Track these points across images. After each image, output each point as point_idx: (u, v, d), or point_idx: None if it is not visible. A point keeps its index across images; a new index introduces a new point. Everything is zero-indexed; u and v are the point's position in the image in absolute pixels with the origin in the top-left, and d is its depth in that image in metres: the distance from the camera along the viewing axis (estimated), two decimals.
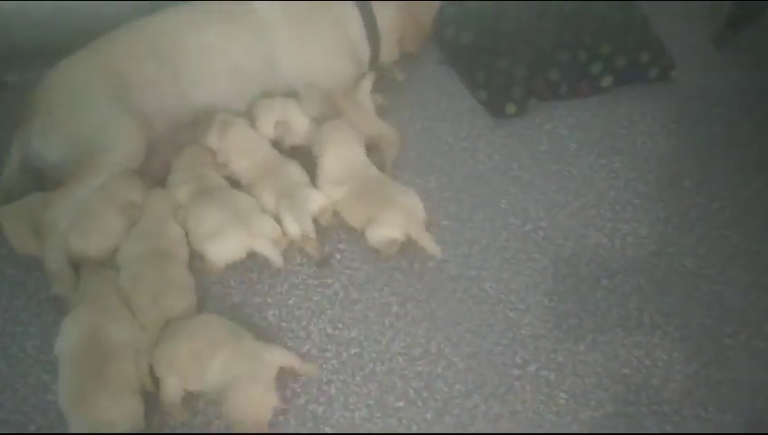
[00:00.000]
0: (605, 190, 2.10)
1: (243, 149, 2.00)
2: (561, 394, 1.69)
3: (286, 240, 1.89)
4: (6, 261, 1.89)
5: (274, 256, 1.85)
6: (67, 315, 1.69)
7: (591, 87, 2.33)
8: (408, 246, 1.90)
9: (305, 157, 2.05)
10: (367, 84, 2.19)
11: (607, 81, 2.33)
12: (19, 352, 1.75)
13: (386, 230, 1.88)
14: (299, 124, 2.08)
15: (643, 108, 2.32)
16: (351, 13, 2.18)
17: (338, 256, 1.93)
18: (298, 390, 1.69)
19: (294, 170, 1.98)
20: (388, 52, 2.29)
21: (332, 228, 1.96)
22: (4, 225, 1.84)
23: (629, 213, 2.04)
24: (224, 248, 1.84)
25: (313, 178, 1.99)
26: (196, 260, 1.87)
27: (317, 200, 1.91)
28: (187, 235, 1.89)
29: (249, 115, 2.06)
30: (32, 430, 1.62)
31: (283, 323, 1.81)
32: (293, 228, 1.88)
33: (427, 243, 1.86)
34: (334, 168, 1.98)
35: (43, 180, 1.94)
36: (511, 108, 2.26)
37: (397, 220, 1.87)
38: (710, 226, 2.02)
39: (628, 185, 2.11)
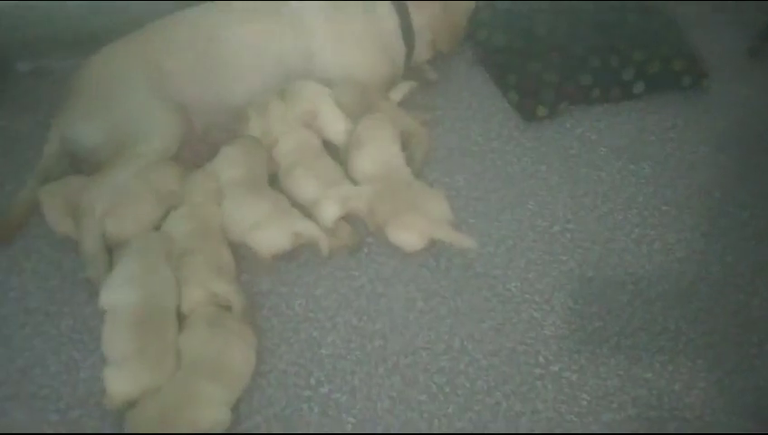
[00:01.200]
0: (633, 195, 2.10)
1: (283, 127, 2.03)
2: (584, 395, 1.70)
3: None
4: (43, 240, 1.94)
5: (322, 239, 1.86)
6: (120, 271, 1.75)
7: (623, 93, 2.33)
8: (435, 243, 1.92)
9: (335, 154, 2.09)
10: (402, 89, 2.22)
11: (639, 87, 2.33)
12: (52, 329, 1.79)
13: (405, 234, 1.89)
14: (330, 117, 2.09)
15: (674, 115, 2.32)
16: (388, 11, 2.21)
17: (365, 250, 1.95)
18: (322, 378, 1.72)
19: (332, 162, 2.01)
20: (423, 51, 2.32)
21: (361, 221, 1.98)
22: (43, 203, 1.89)
23: (657, 219, 2.04)
24: (269, 237, 1.86)
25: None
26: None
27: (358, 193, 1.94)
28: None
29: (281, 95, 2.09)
30: (60, 405, 1.66)
31: (309, 314, 1.83)
32: (331, 214, 1.90)
33: (457, 239, 1.87)
34: (369, 164, 2.00)
35: (80, 164, 2.00)
36: (541, 111, 2.27)
37: (418, 225, 1.88)
38: (739, 235, 2.02)
39: (656, 191, 2.11)
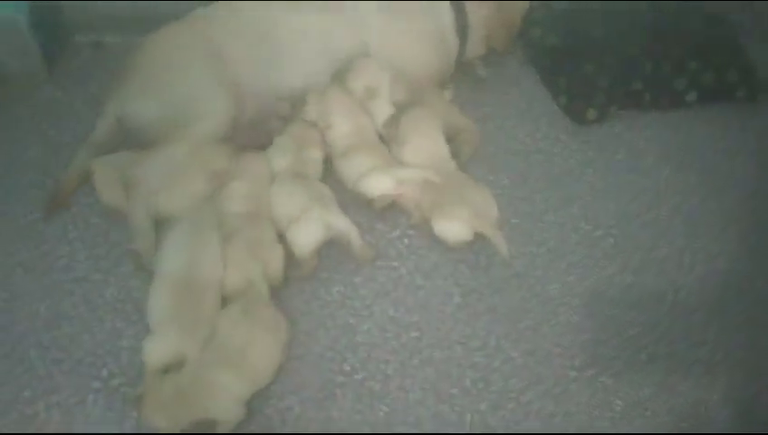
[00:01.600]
0: (679, 205, 2.09)
1: (341, 109, 2.05)
2: (617, 401, 1.69)
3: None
4: (93, 210, 1.98)
5: (355, 237, 1.88)
6: (170, 240, 1.79)
7: (675, 100, 2.31)
8: (476, 240, 1.92)
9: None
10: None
11: (691, 96, 2.31)
12: (98, 298, 1.83)
13: (452, 225, 1.90)
14: (383, 102, 2.11)
15: (726, 127, 2.30)
16: (444, 6, 2.22)
17: (406, 241, 1.97)
18: (356, 365, 1.73)
19: (386, 149, 2.03)
20: (475, 47, 2.32)
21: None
22: (95, 175, 1.94)
23: (702, 230, 2.03)
24: (302, 233, 1.87)
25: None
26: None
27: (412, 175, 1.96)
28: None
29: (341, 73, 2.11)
30: (103, 373, 1.70)
31: (347, 300, 1.85)
32: (383, 187, 1.93)
33: (498, 241, 1.88)
34: (415, 157, 2.02)
35: (132, 139, 2.04)
36: (591, 114, 2.26)
37: (465, 216, 1.89)
38: None
39: (703, 202, 2.10)
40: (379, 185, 1.94)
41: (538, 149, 2.22)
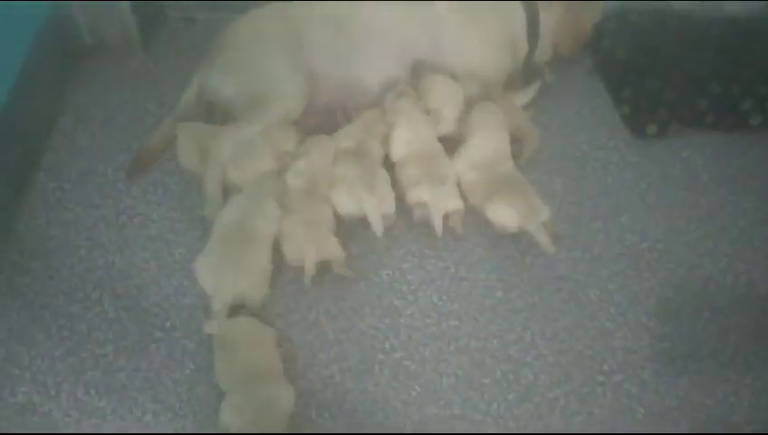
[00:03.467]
0: (728, 226, 2.11)
1: (407, 117, 2.13)
2: (640, 408, 1.76)
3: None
4: (172, 177, 2.15)
5: (377, 223, 1.96)
6: (233, 201, 1.97)
7: (738, 123, 2.31)
8: (522, 238, 2.00)
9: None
10: (530, 93, 2.30)
11: (756, 119, 2.30)
12: (168, 256, 2.00)
13: (505, 211, 1.98)
14: (449, 116, 2.19)
15: None
16: (517, 10, 2.28)
17: (455, 235, 2.05)
18: (396, 345, 1.85)
19: (446, 162, 2.09)
20: (544, 52, 2.37)
21: None
22: (179, 136, 2.10)
23: (748, 253, 2.05)
24: (341, 197, 1.99)
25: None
26: None
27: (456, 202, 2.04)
28: None
29: (417, 90, 2.19)
30: (167, 325, 1.87)
31: (394, 284, 1.96)
32: (422, 197, 2.00)
33: (543, 238, 1.95)
34: (479, 151, 2.09)
35: (214, 112, 2.19)
36: (652, 128, 2.29)
37: (519, 206, 1.97)
38: None
39: (752, 226, 2.11)
40: (422, 196, 2.01)
41: (595, 158, 2.26)
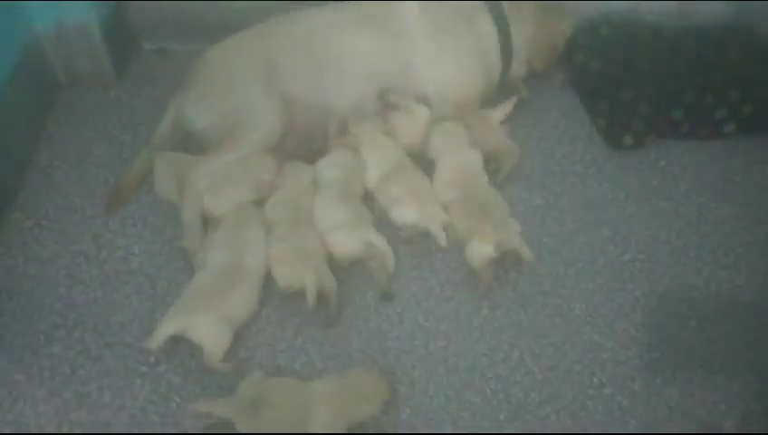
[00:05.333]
0: (709, 234, 2.12)
1: (373, 147, 2.15)
2: (632, 420, 1.76)
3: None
4: (150, 209, 2.13)
5: (388, 255, 1.97)
6: (216, 237, 1.95)
7: (713, 131, 2.34)
8: (506, 256, 1.99)
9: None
10: (505, 109, 2.30)
11: (730, 127, 2.33)
12: (150, 289, 1.97)
13: (484, 247, 1.96)
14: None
15: (763, 159, 2.31)
16: (489, 29, 2.29)
17: (439, 255, 2.05)
18: (385, 369, 1.82)
19: (421, 177, 2.12)
20: (518, 68, 2.39)
21: None
22: (156, 166, 2.09)
23: (730, 260, 2.06)
24: (343, 240, 1.98)
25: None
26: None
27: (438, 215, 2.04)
28: None
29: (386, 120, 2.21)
30: (150, 359, 1.84)
31: (380, 306, 1.95)
32: (408, 219, 2.02)
33: (522, 248, 1.96)
34: (449, 172, 2.11)
35: (190, 143, 2.18)
36: (628, 140, 2.31)
37: (494, 234, 1.96)
38: None
39: (733, 233, 2.13)
40: (404, 218, 2.02)
41: (573, 171, 2.27)
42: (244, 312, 1.86)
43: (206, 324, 1.78)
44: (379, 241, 1.97)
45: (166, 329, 1.77)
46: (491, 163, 2.19)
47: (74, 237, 2.08)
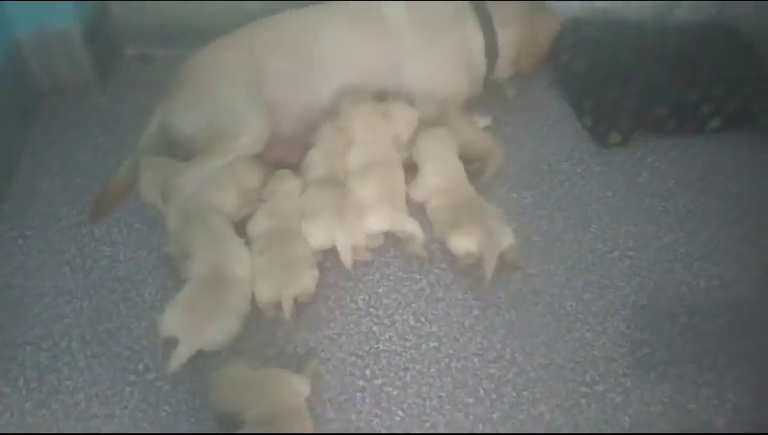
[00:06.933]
0: (697, 229, 2.13)
1: (367, 126, 2.13)
2: (625, 417, 1.76)
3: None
4: (135, 216, 2.11)
5: (347, 258, 1.94)
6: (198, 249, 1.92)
7: (698, 127, 2.35)
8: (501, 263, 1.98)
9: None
10: (487, 121, 2.32)
11: (715, 122, 2.35)
12: (137, 297, 1.95)
13: (467, 241, 1.96)
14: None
15: (748, 154, 2.33)
16: (474, 29, 2.29)
17: (428, 255, 2.05)
18: (377, 371, 1.82)
19: (401, 176, 2.10)
20: (504, 69, 2.39)
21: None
22: (141, 171, 2.07)
23: (719, 255, 2.07)
24: (314, 234, 1.97)
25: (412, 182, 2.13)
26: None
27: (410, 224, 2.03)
28: None
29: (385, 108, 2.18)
30: (140, 367, 1.82)
31: (371, 309, 1.94)
32: (375, 228, 2.01)
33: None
34: (433, 178, 2.10)
35: (175, 149, 2.15)
36: (615, 137, 2.31)
37: (480, 236, 1.95)
38: None
39: (721, 228, 2.14)
40: (372, 228, 2.01)
41: (561, 170, 2.28)
42: (242, 309, 1.85)
43: (213, 335, 1.78)
44: (341, 237, 1.95)
45: (182, 355, 1.75)
46: (474, 164, 2.19)
47: (60, 247, 2.05)
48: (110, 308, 1.93)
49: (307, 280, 1.89)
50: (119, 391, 1.78)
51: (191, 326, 1.77)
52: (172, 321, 1.79)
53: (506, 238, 1.96)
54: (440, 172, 2.11)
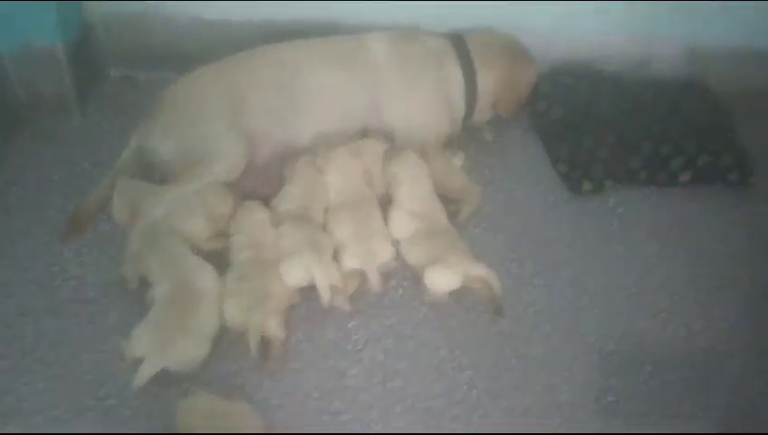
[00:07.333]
0: (665, 280, 2.16)
1: (342, 169, 2.16)
2: None
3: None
4: (107, 238, 2.08)
5: (325, 296, 1.93)
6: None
7: (669, 179, 2.41)
8: (466, 297, 2.01)
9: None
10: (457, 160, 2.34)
11: (685, 176, 2.40)
12: (102, 320, 1.92)
13: (449, 274, 1.98)
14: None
15: (717, 208, 2.38)
16: (456, 73, 2.33)
17: (400, 292, 2.05)
18: (341, 408, 1.81)
19: (378, 216, 2.11)
20: (483, 113, 2.43)
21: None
22: (116, 192, 2.07)
23: (685, 306, 2.10)
24: (292, 272, 1.96)
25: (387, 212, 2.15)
26: None
27: (387, 252, 2.04)
28: None
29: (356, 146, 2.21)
30: (100, 393, 1.78)
31: (340, 342, 1.94)
32: (348, 266, 2.01)
33: (491, 278, 1.98)
34: (408, 201, 2.12)
35: (151, 172, 2.15)
36: (587, 185, 2.35)
37: (456, 266, 1.98)
38: (766, 334, 2.06)
39: (689, 279, 2.17)
40: (346, 265, 2.01)
41: (534, 214, 2.31)
42: (211, 329, 1.84)
43: (181, 353, 1.77)
44: (318, 275, 1.94)
45: (148, 371, 1.73)
46: (451, 205, 2.21)
47: (26, 264, 2.02)
48: (74, 330, 1.90)
49: (275, 326, 1.87)
50: (78, 416, 1.75)
51: (158, 343, 1.76)
52: (140, 341, 1.77)
53: (479, 268, 1.99)
54: (414, 196, 2.13)
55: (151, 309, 1.85)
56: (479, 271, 1.98)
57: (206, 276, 1.91)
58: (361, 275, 2.01)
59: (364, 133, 2.23)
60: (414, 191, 2.15)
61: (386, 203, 2.18)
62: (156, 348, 1.75)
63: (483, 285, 2.00)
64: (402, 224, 2.11)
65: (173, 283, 1.88)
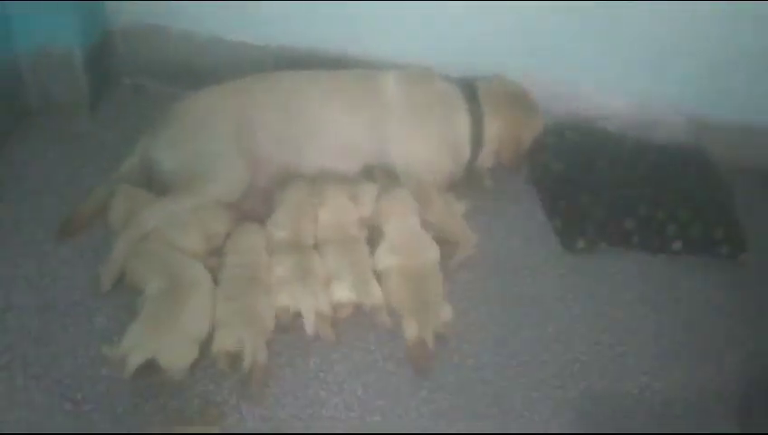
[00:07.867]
0: (649, 345, 2.17)
1: (336, 211, 2.18)
2: None
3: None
4: (101, 242, 2.09)
5: (310, 325, 1.95)
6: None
7: (662, 245, 2.43)
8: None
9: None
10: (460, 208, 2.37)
11: (677, 245, 2.42)
12: (88, 323, 1.92)
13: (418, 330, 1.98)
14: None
15: (707, 279, 2.39)
16: (463, 118, 2.37)
17: (386, 328, 2.05)
18: None
19: (365, 252, 2.14)
20: (486, 159, 2.47)
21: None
22: (115, 197, 2.09)
23: (666, 372, 2.10)
24: (280, 299, 1.98)
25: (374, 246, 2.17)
26: None
27: (376, 294, 2.05)
28: None
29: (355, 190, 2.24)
30: (77, 397, 1.77)
31: (320, 373, 1.93)
32: (338, 298, 2.02)
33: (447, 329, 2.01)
34: (396, 236, 2.15)
35: (152, 183, 2.18)
36: (581, 243, 2.38)
37: (427, 317, 2.00)
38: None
39: (673, 346, 2.18)
40: (335, 297, 2.03)
41: (526, 265, 2.32)
42: (202, 325, 1.86)
43: (171, 346, 1.77)
44: (305, 304, 1.96)
45: (136, 359, 1.74)
46: (445, 247, 2.22)
47: (18, 260, 2.03)
48: (58, 331, 1.90)
49: (260, 350, 1.88)
50: (50, 418, 1.73)
51: (148, 333, 1.78)
52: (131, 333, 1.78)
53: (447, 312, 2.02)
54: (403, 230, 2.15)
55: (144, 308, 1.86)
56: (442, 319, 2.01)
57: (196, 271, 1.93)
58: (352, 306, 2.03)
59: (367, 169, 2.25)
60: (401, 225, 2.17)
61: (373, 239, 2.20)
62: (146, 337, 1.77)
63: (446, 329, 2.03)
64: (385, 258, 2.13)
65: (164, 279, 1.90)
